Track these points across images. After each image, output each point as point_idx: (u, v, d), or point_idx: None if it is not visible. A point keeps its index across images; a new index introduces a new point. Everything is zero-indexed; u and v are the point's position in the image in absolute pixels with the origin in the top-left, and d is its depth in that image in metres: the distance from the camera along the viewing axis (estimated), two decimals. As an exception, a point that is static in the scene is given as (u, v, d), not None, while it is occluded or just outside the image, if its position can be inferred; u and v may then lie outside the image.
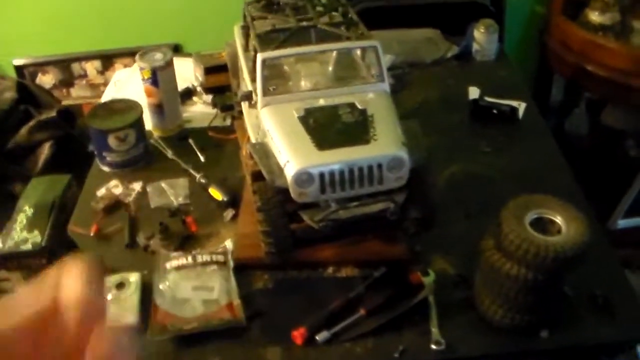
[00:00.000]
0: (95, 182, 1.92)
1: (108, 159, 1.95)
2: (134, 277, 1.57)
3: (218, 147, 2.03)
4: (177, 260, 1.58)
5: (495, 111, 2.08)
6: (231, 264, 1.58)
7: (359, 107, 1.40)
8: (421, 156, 1.37)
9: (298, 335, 1.41)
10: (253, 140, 1.55)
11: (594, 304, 1.48)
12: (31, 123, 2.74)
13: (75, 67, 3.35)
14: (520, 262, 1.28)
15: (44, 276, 0.52)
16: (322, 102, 1.42)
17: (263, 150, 1.38)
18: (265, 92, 1.43)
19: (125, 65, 3.15)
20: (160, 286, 1.52)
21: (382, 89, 1.47)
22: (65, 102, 3.22)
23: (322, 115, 1.39)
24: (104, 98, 2.28)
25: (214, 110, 2.15)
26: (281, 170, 1.32)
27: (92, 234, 1.73)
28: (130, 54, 3.14)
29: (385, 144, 1.33)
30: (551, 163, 1.91)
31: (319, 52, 1.51)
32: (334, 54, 1.55)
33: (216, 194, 1.80)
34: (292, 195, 1.32)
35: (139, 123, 1.94)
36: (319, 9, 1.62)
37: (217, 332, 1.44)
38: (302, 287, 1.56)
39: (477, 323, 1.44)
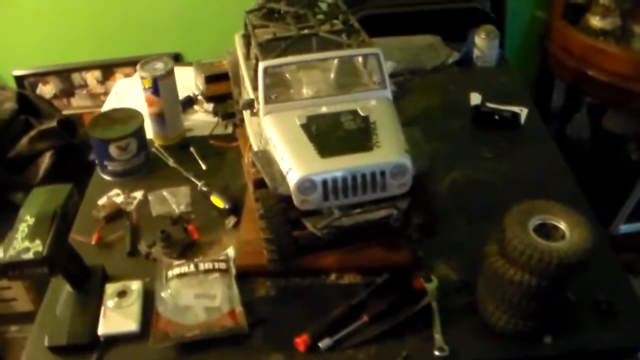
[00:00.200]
0: (96, 191, 1.92)
1: (109, 168, 1.95)
2: (135, 285, 1.57)
3: (219, 155, 2.03)
4: (179, 268, 1.58)
5: (496, 117, 2.08)
6: (233, 271, 1.58)
7: (362, 114, 1.40)
8: (424, 163, 1.37)
9: (301, 342, 1.41)
10: (255, 148, 1.55)
11: (597, 309, 1.47)
12: (32, 133, 2.74)
13: (76, 77, 3.35)
14: (523, 268, 1.28)
15: None
16: (324, 109, 1.42)
17: (265, 158, 1.38)
18: (267, 100, 1.43)
19: (126, 75, 3.16)
20: (162, 294, 1.52)
21: (384, 96, 1.47)
22: (65, 112, 3.22)
23: (324, 123, 1.38)
24: (105, 107, 2.28)
25: (215, 119, 2.15)
26: (284, 177, 1.31)
27: (93, 243, 1.74)
28: (130, 63, 3.16)
29: (388, 151, 1.33)
30: (553, 168, 1.91)
31: (320, 59, 1.51)
32: (336, 61, 1.55)
33: (218, 201, 1.80)
34: (295, 202, 1.32)
35: (140, 132, 1.94)
36: (320, 17, 1.62)
37: (219, 339, 1.44)
38: (305, 294, 1.56)
39: (480, 329, 1.44)
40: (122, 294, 1.55)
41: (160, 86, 1.98)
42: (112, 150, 1.90)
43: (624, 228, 2.88)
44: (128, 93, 2.38)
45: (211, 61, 2.22)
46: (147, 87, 1.98)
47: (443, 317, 1.45)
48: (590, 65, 2.70)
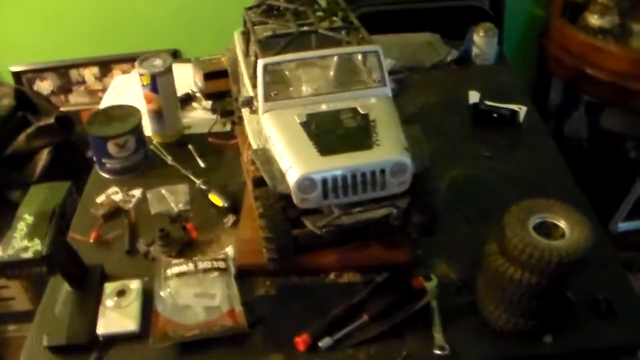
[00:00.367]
0: (94, 189, 1.92)
1: (107, 165, 1.94)
2: (134, 284, 1.56)
3: (218, 152, 2.03)
4: (178, 266, 1.57)
5: (495, 115, 2.08)
6: (232, 270, 1.57)
7: (361, 111, 1.39)
8: (424, 161, 1.36)
9: (300, 341, 1.41)
10: (254, 146, 1.54)
11: (596, 308, 1.47)
12: (29, 130, 2.74)
13: (73, 74, 3.35)
14: (524, 266, 1.28)
15: None
16: (324, 107, 1.42)
17: (265, 156, 1.37)
18: (267, 98, 1.42)
19: (124, 72, 3.16)
20: (162, 293, 1.51)
21: (384, 94, 1.46)
22: (63, 109, 3.21)
23: (324, 121, 1.38)
24: (103, 104, 2.27)
25: (214, 116, 2.15)
26: (283, 176, 1.31)
27: (91, 241, 1.73)
28: (128, 60, 3.15)
29: (388, 149, 1.32)
30: (552, 166, 1.91)
31: (320, 57, 1.50)
32: (335, 58, 1.54)
33: (216, 200, 1.80)
34: (295, 201, 1.31)
35: (138, 129, 1.94)
36: (320, 14, 1.62)
37: (218, 339, 1.44)
38: (305, 293, 1.56)
39: (481, 328, 1.44)
40: (121, 293, 1.54)
41: (159, 83, 1.97)
42: (110, 147, 1.90)
43: (623, 226, 2.88)
44: (126, 90, 2.37)
45: (210, 58, 2.22)
46: (145, 83, 1.98)
47: (443, 316, 1.45)
48: (588, 64, 2.69)
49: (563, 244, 1.27)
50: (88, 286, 1.57)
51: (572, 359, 1.46)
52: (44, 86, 3.37)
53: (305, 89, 1.48)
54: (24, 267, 1.33)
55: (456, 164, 1.91)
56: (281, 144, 1.34)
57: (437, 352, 1.39)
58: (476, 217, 1.72)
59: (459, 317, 1.47)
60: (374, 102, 1.43)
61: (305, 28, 1.52)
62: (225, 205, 1.78)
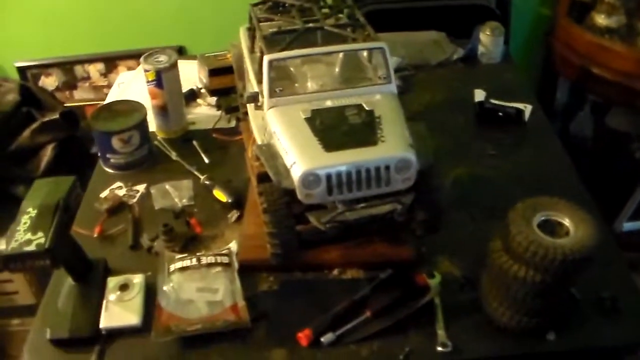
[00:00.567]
0: (99, 184, 1.92)
1: (112, 160, 1.94)
2: (138, 279, 1.56)
3: (222, 148, 2.03)
4: (182, 261, 1.57)
5: (501, 114, 2.08)
6: (236, 265, 1.58)
7: (366, 108, 1.39)
8: (428, 158, 1.36)
9: (303, 337, 1.41)
10: (259, 141, 1.54)
11: (601, 306, 1.47)
12: (34, 125, 2.73)
13: (78, 70, 3.35)
14: (528, 264, 1.28)
15: None
16: (329, 103, 1.41)
17: (269, 152, 1.37)
18: (272, 94, 1.42)
19: (129, 68, 3.16)
20: (165, 288, 1.51)
21: (389, 91, 1.46)
22: (68, 104, 3.21)
23: (329, 117, 1.38)
24: (108, 100, 2.27)
25: (219, 112, 2.15)
26: (288, 171, 1.31)
27: (95, 236, 1.73)
28: (133, 56, 3.15)
29: (393, 146, 1.32)
30: (557, 165, 1.91)
31: (325, 53, 1.50)
32: (341, 55, 1.54)
33: (220, 195, 1.80)
34: (299, 196, 1.31)
35: (142, 124, 1.94)
36: (325, 10, 1.62)
37: (221, 333, 1.44)
38: (308, 288, 1.56)
39: (484, 325, 1.44)
40: (124, 287, 1.54)
41: (164, 79, 1.97)
42: (115, 142, 1.90)
43: (627, 226, 2.88)
44: (131, 86, 2.37)
45: (215, 54, 2.22)
46: (150, 79, 1.98)
47: (446, 313, 1.46)
48: (594, 63, 2.69)
49: (567, 241, 1.27)
50: (91, 280, 1.57)
51: (575, 357, 1.46)
52: (49, 82, 3.37)
53: (310, 85, 1.48)
54: (27, 260, 1.33)
55: (461, 162, 1.91)
56: (286, 140, 1.34)
57: (440, 348, 1.39)
58: (480, 214, 1.72)
59: (462, 314, 1.46)
60: (379, 98, 1.43)
61: (310, 25, 1.52)
62: (230, 200, 1.78)
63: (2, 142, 2.70)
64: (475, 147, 1.99)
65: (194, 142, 2.05)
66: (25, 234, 1.35)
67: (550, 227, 1.32)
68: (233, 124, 2.11)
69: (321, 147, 1.31)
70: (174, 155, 2.00)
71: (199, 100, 2.26)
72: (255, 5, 1.67)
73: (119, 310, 1.50)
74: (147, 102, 2.04)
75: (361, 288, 1.52)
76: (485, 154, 1.96)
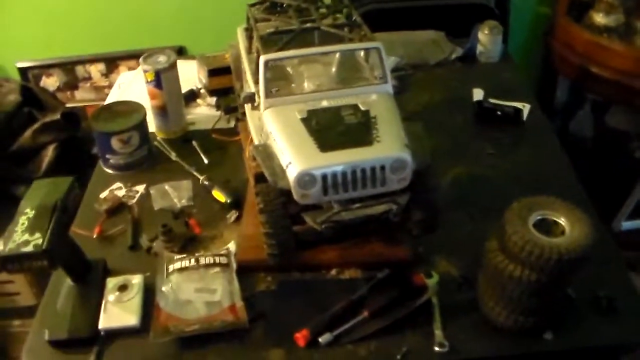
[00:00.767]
0: (98, 185, 1.93)
1: (111, 161, 1.95)
2: (136, 279, 1.57)
3: (222, 149, 2.03)
4: (180, 262, 1.58)
5: (499, 113, 2.08)
6: (234, 265, 1.58)
7: (362, 108, 1.40)
8: (424, 158, 1.36)
9: (301, 337, 1.41)
10: (256, 142, 1.55)
11: (598, 305, 1.47)
12: (35, 126, 2.74)
13: (80, 70, 3.35)
14: (524, 263, 1.28)
15: None
16: (325, 103, 1.42)
17: (266, 152, 1.37)
18: (268, 94, 1.43)
19: (130, 68, 3.16)
20: (163, 288, 1.52)
21: (385, 91, 1.47)
22: (69, 105, 3.22)
23: (324, 117, 1.38)
24: (108, 100, 2.29)
25: (218, 112, 2.16)
26: (284, 172, 1.31)
27: (95, 236, 1.74)
28: (134, 56, 3.15)
29: (388, 146, 1.32)
30: (555, 164, 1.91)
31: (322, 53, 1.51)
32: (337, 55, 1.55)
33: (219, 195, 1.80)
34: (295, 197, 1.32)
35: (142, 125, 1.94)
36: (323, 10, 1.62)
37: (219, 334, 1.44)
38: (305, 289, 1.56)
39: (481, 325, 1.44)
40: (123, 287, 1.55)
41: (163, 79, 1.98)
42: (114, 143, 1.90)
43: (626, 225, 2.88)
44: (131, 86, 2.38)
45: (214, 54, 2.22)
46: (149, 80, 1.99)
47: (443, 312, 1.46)
48: (593, 62, 2.69)
49: (563, 241, 1.27)
50: (90, 281, 1.57)
51: (572, 357, 1.46)
52: (50, 82, 3.38)
53: (306, 85, 1.49)
54: (25, 261, 1.33)
55: (459, 162, 1.91)
56: (282, 140, 1.34)
57: (437, 348, 1.39)
58: (478, 214, 1.72)
59: (459, 314, 1.47)
60: (375, 98, 1.43)
61: (307, 25, 1.52)
62: (228, 201, 1.79)
63: (3, 143, 2.71)
64: (474, 147, 1.99)
65: (194, 143, 2.05)
66: (23, 235, 1.35)
67: (546, 227, 1.32)
68: (232, 124, 2.11)
69: (317, 147, 1.31)
70: (173, 156, 2.00)
71: (198, 101, 2.27)
72: (253, 5, 1.68)
73: (117, 311, 1.50)
74: (148, 103, 2.04)
75: (359, 288, 1.52)
76: (484, 153, 1.96)
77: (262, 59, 1.42)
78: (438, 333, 1.42)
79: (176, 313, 1.46)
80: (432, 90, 2.26)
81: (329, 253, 1.59)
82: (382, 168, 1.31)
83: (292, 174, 1.29)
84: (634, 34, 2.70)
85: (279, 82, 1.47)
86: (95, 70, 3.35)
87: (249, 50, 1.63)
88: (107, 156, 1.95)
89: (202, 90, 2.27)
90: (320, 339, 1.41)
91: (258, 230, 1.48)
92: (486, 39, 2.37)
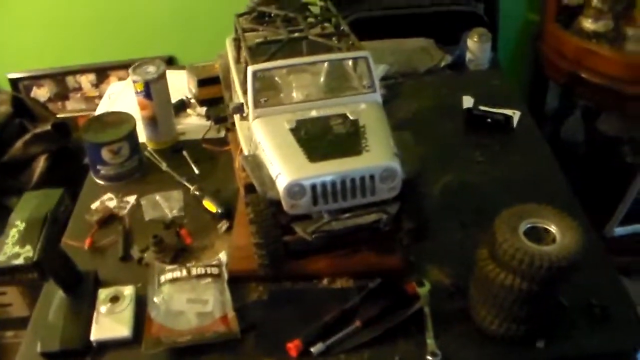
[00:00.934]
0: (89, 195, 1.92)
1: (102, 172, 1.94)
2: (128, 290, 1.56)
3: (212, 159, 2.03)
4: (172, 272, 1.58)
5: (489, 120, 2.08)
6: (225, 276, 1.57)
7: (351, 117, 1.40)
8: (414, 167, 1.36)
9: (293, 347, 1.41)
10: (245, 152, 1.55)
11: (590, 313, 1.47)
12: (26, 136, 2.74)
13: (70, 80, 3.35)
14: (514, 272, 1.28)
15: None
16: (313, 113, 1.42)
17: (255, 163, 1.37)
18: (257, 104, 1.42)
19: (120, 78, 3.16)
20: (155, 299, 1.52)
21: (374, 100, 1.47)
22: (60, 115, 3.21)
23: (313, 127, 1.38)
24: (98, 111, 2.28)
25: (208, 122, 2.15)
26: (273, 182, 1.31)
27: (86, 247, 1.73)
28: (124, 66, 3.13)
29: (377, 155, 1.32)
30: (546, 172, 1.90)
31: (310, 63, 1.50)
32: (326, 65, 1.54)
33: (210, 206, 1.80)
34: (284, 207, 1.31)
35: (132, 136, 1.94)
36: (311, 20, 1.62)
37: (211, 344, 1.44)
38: (297, 298, 1.56)
39: (473, 333, 1.44)
40: (114, 299, 1.54)
41: (153, 90, 1.97)
42: (105, 154, 1.90)
43: (619, 230, 2.88)
44: (121, 96, 2.38)
45: (204, 64, 2.22)
46: (139, 90, 1.98)
47: (435, 321, 1.45)
48: (583, 68, 2.69)
49: (554, 249, 1.27)
50: (82, 292, 1.57)
51: (564, 364, 1.46)
52: (41, 93, 3.37)
53: (295, 95, 1.49)
54: (15, 274, 1.33)
55: (450, 169, 1.91)
56: (270, 150, 1.34)
57: (430, 357, 1.39)
58: (469, 222, 1.71)
59: (451, 323, 1.46)
60: (364, 108, 1.43)
61: (295, 34, 1.52)
62: (219, 211, 1.78)
63: (-6, 154, 2.71)
64: (464, 154, 1.99)
65: (184, 153, 2.05)
66: (14, 247, 1.35)
67: (537, 234, 1.32)
68: (222, 134, 2.11)
69: (306, 157, 1.31)
70: (164, 166, 2.00)
71: (188, 111, 2.26)
72: (241, 15, 1.68)
73: (109, 322, 1.50)
74: (138, 113, 2.04)
75: (350, 297, 1.51)
76: (474, 160, 1.96)
77: (250, 69, 1.42)
78: (430, 342, 1.41)
79: (168, 324, 1.46)
80: (421, 97, 2.26)
81: (320, 263, 1.59)
82: (372, 177, 1.31)
83: (281, 184, 1.29)
84: (622, 40, 2.71)
85: (267, 92, 1.47)
86: (86, 80, 3.34)
87: (238, 61, 1.63)
88: (98, 167, 1.94)
89: (192, 100, 2.26)
90: (312, 349, 1.41)
91: (249, 241, 1.48)
92: (475, 46, 2.37)
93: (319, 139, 1.35)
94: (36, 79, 3.35)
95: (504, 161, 1.95)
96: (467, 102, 2.17)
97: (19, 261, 1.33)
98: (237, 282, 1.58)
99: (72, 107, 3.43)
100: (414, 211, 1.44)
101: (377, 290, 1.53)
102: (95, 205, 1.87)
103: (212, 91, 2.11)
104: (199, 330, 1.45)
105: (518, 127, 2.08)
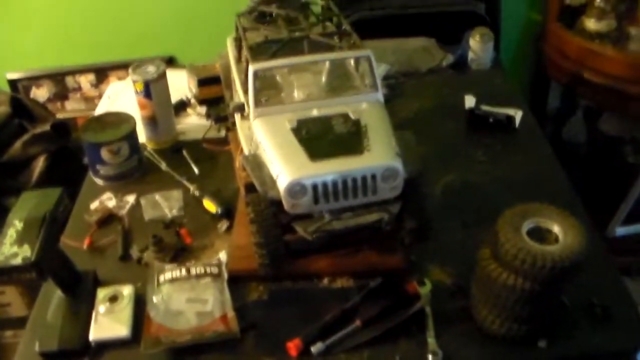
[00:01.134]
0: (88, 195, 1.91)
1: (101, 172, 1.94)
2: (127, 290, 1.55)
3: (212, 158, 2.02)
4: (171, 272, 1.57)
5: (491, 120, 2.07)
6: (225, 275, 1.57)
7: (352, 117, 1.39)
8: (416, 166, 1.35)
9: (293, 346, 1.40)
10: (246, 151, 1.54)
11: (592, 313, 1.46)
12: (25, 137, 2.73)
13: (70, 81, 3.34)
14: (517, 271, 1.27)
15: None
16: (315, 112, 1.41)
17: (255, 162, 1.37)
18: (257, 104, 1.42)
19: (120, 78, 3.15)
20: (154, 299, 1.51)
21: (375, 99, 1.46)
22: (59, 116, 3.20)
23: (314, 126, 1.37)
24: (98, 111, 2.28)
25: (208, 122, 2.14)
26: (274, 181, 1.30)
27: (85, 247, 1.73)
28: (124, 66, 3.13)
29: (379, 154, 1.32)
30: (548, 171, 1.90)
31: (311, 62, 1.50)
32: (327, 64, 1.54)
33: (210, 205, 1.79)
34: (285, 206, 1.31)
35: (132, 135, 1.93)
36: (312, 19, 1.62)
37: (211, 344, 1.43)
38: (297, 298, 1.55)
39: (474, 333, 1.43)
40: (113, 298, 1.53)
41: (152, 89, 1.97)
42: (104, 154, 1.89)
43: (621, 230, 2.88)
44: (121, 96, 2.37)
45: (204, 64, 2.21)
46: (139, 90, 1.98)
47: (437, 321, 1.45)
48: (586, 68, 2.69)
49: (556, 249, 1.26)
50: (81, 292, 1.56)
51: (566, 364, 1.45)
52: (40, 93, 3.36)
53: (296, 95, 1.48)
54: (13, 274, 1.33)
55: (452, 169, 1.90)
56: (271, 150, 1.33)
57: (431, 357, 1.38)
58: (471, 221, 1.71)
59: (452, 322, 1.46)
60: (366, 107, 1.43)
61: (297, 34, 1.52)
62: (219, 211, 1.78)
63: (-6, 154, 2.70)
64: (466, 154, 1.98)
65: (184, 152, 2.04)
66: (12, 247, 1.34)
67: (539, 234, 1.31)
68: (223, 133, 2.10)
69: (307, 156, 1.30)
70: (163, 166, 1.99)
71: (188, 110, 2.26)
72: (242, 15, 1.67)
73: (108, 322, 1.49)
74: (138, 113, 2.03)
75: (351, 297, 1.51)
76: (476, 160, 1.95)
77: (251, 68, 1.41)
78: (431, 341, 1.41)
79: (167, 324, 1.45)
80: (423, 97, 2.25)
81: (321, 262, 1.58)
82: (373, 177, 1.30)
83: (282, 183, 1.28)
84: (625, 40, 2.70)
85: (268, 92, 1.47)
86: (85, 80, 3.34)
87: (239, 60, 1.62)
88: (97, 167, 1.93)
89: (192, 100, 2.26)
90: (312, 349, 1.40)
91: (249, 240, 1.47)
92: (477, 46, 2.37)
93: (320, 138, 1.35)
94: (35, 79, 3.34)
95: (505, 161, 1.95)
96: (469, 101, 2.16)
97: (17, 261, 1.32)
98: (237, 281, 1.57)
99: (72, 108, 3.43)
100: (415, 211, 1.44)
101: (378, 289, 1.53)
102: (94, 205, 1.86)
103: (213, 91, 2.11)
104: (199, 330, 1.44)
105: (520, 127, 2.07)
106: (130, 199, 1.88)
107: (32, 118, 2.88)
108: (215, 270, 1.57)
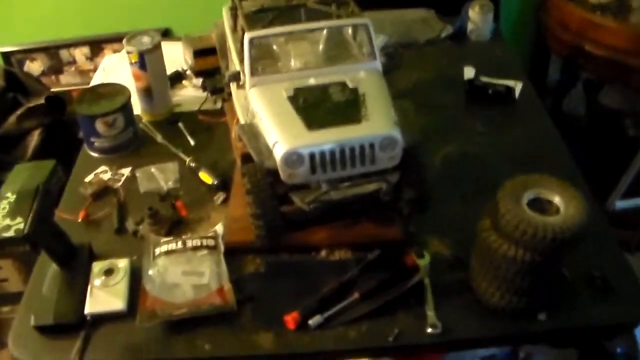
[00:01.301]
0: (83, 168, 1.90)
1: (96, 144, 1.92)
2: (123, 263, 1.54)
3: (208, 130, 2.01)
4: (167, 245, 1.55)
5: (490, 91, 2.05)
6: (222, 248, 1.55)
7: (350, 86, 1.37)
8: (414, 136, 1.34)
9: (290, 319, 1.39)
10: (242, 121, 1.52)
11: (592, 285, 1.45)
12: (20, 111, 2.70)
13: (64, 54, 3.31)
14: (517, 243, 1.26)
15: None
16: (312, 81, 1.40)
17: (252, 132, 1.35)
18: (253, 72, 1.40)
19: (115, 51, 3.11)
20: (150, 271, 1.49)
21: (373, 68, 1.44)
22: (54, 89, 3.17)
23: (312, 95, 1.36)
24: (93, 84, 2.25)
25: (204, 94, 2.12)
26: (270, 151, 1.29)
27: (80, 220, 1.71)
28: (119, 39, 3.06)
29: (377, 123, 1.30)
30: (548, 143, 1.89)
31: (308, 30, 1.48)
32: (325, 32, 1.52)
33: (206, 177, 1.78)
34: (282, 176, 1.30)
35: (126, 107, 1.91)
36: (309, -13, 1.59)
37: (207, 317, 1.42)
38: (295, 270, 1.54)
39: (474, 305, 1.42)
40: (109, 272, 1.52)
41: (147, 60, 1.94)
42: (99, 126, 1.87)
43: (620, 204, 2.86)
44: (116, 69, 2.35)
45: (200, 35, 2.19)
46: (133, 61, 1.95)
47: (436, 293, 1.43)
48: (586, 40, 2.66)
49: (557, 220, 1.25)
50: (76, 265, 1.55)
51: (566, 337, 1.45)
52: (35, 67, 3.34)
53: (293, 63, 1.46)
54: (6, 246, 1.32)
55: (451, 140, 1.89)
56: (268, 119, 1.32)
57: (430, 330, 1.37)
58: (470, 193, 1.69)
59: (452, 295, 1.45)
60: (364, 76, 1.41)
61: (294, 2, 1.50)
62: (215, 182, 1.76)
63: (-13, 129, 2.68)
64: (465, 125, 1.97)
65: (180, 124, 2.02)
66: (4, 220, 1.33)
67: (540, 205, 1.30)
68: (219, 105, 2.08)
69: (304, 125, 1.29)
70: (159, 138, 1.97)
71: (184, 82, 2.24)
72: (238, -17, 1.64)
73: (104, 296, 1.48)
74: (133, 85, 2.01)
75: (349, 269, 1.50)
76: (475, 131, 1.94)
77: (247, 36, 1.39)
78: (430, 314, 1.40)
79: (163, 297, 1.44)
80: (422, 69, 2.23)
81: (319, 234, 1.56)
82: (372, 146, 1.28)
83: (278, 153, 1.27)
84: (627, 11, 2.67)
85: (264, 61, 1.45)
86: (80, 53, 3.31)
87: (234, 29, 1.60)
88: (92, 139, 1.91)
89: (188, 72, 2.23)
90: (310, 322, 1.39)
91: (246, 212, 1.45)
92: (477, 17, 2.35)
93: (317, 107, 1.33)
94: (29, 53, 3.31)
95: (505, 132, 1.93)
96: (469, 73, 2.14)
97: (10, 233, 1.31)
98: (233, 254, 1.55)
99: (67, 81, 3.40)
100: (414, 181, 1.42)
101: (376, 261, 1.51)
102: (89, 178, 1.84)
103: (208, 62, 2.09)
104: (195, 303, 1.43)
105: (520, 98, 2.06)
106: (126, 171, 1.86)
107: (26, 92, 2.86)
108: (211, 242, 1.55)
